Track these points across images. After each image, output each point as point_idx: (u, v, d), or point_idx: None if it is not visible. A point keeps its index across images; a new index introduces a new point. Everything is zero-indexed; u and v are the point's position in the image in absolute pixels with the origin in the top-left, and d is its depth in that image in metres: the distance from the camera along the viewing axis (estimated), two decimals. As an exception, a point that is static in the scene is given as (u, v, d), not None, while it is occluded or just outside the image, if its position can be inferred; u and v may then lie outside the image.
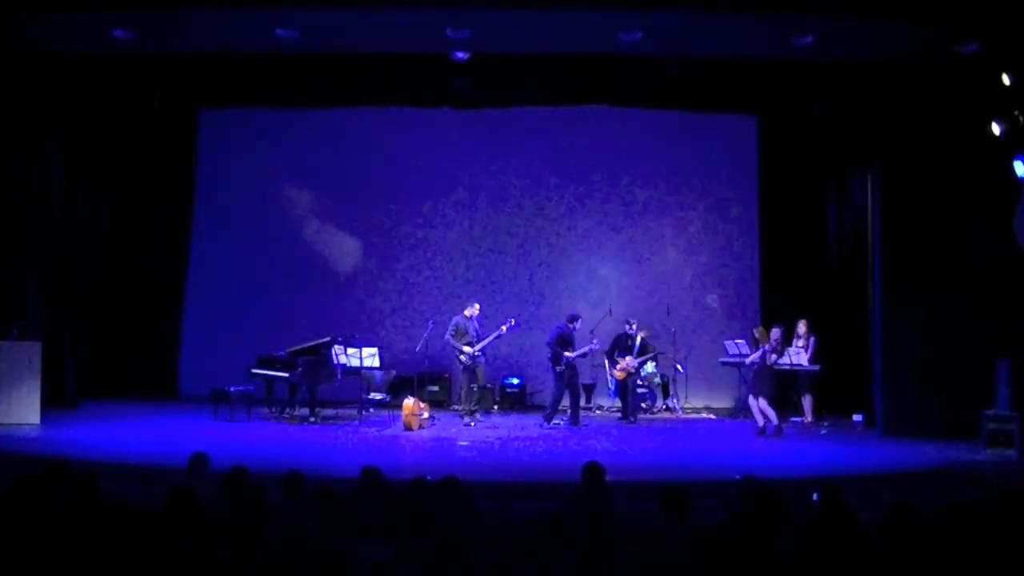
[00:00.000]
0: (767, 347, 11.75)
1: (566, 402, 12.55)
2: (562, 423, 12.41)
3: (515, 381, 14.14)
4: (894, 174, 11.78)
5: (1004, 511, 5.14)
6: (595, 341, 12.66)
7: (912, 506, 4.71)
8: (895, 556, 4.49)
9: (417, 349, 12.74)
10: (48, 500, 5.00)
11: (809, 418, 12.58)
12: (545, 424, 12.13)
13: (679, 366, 14.07)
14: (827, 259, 13.91)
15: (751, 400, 11.78)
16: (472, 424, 12.17)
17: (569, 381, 12.37)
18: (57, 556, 4.37)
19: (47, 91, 12.04)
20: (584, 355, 12.48)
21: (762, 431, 11.59)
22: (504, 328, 12.31)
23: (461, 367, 12.47)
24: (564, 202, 14.76)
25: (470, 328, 12.38)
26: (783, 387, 12.29)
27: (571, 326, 12.42)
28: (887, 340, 11.73)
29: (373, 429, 11.78)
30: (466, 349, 12.28)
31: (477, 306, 12.51)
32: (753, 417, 11.83)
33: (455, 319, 12.51)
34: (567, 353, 12.27)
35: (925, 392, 11.31)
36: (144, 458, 9.28)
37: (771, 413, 11.53)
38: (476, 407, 12.37)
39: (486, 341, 12.30)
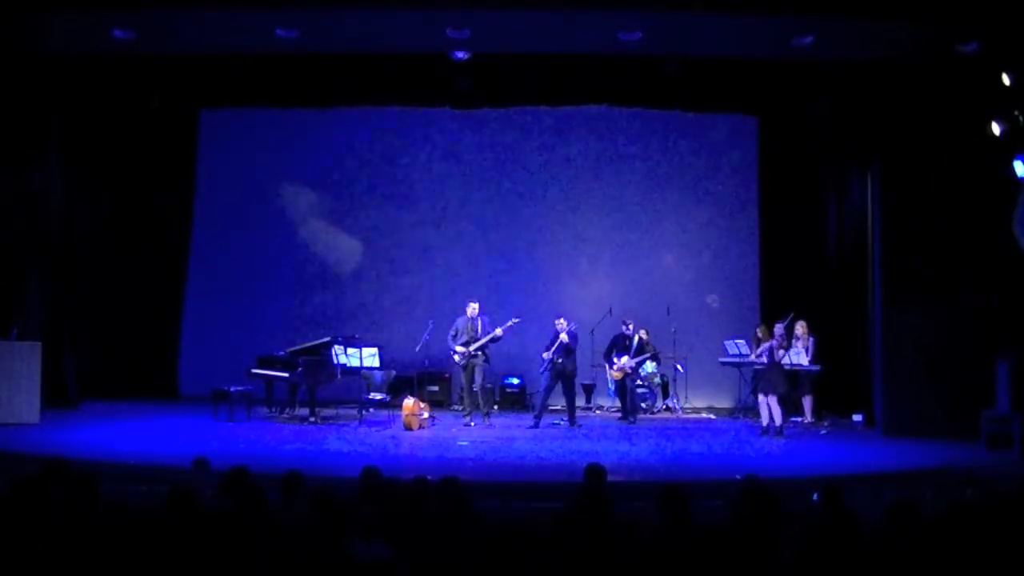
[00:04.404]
0: (774, 343, 11.74)
1: (563, 402, 12.57)
2: (562, 423, 12.42)
3: (515, 381, 14.14)
4: (894, 174, 11.78)
5: (1004, 511, 5.14)
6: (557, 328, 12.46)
7: (912, 506, 4.71)
8: (895, 556, 4.49)
9: (417, 349, 12.74)
10: (48, 500, 5.00)
11: (809, 418, 12.58)
12: (535, 424, 12.13)
13: (679, 366, 14.08)
14: (827, 259, 13.91)
15: (761, 398, 11.75)
16: (472, 424, 12.17)
17: (570, 377, 12.36)
18: (57, 556, 4.37)
19: (47, 91, 12.05)
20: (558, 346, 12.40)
21: (765, 430, 11.58)
22: (500, 331, 12.22)
23: (459, 367, 12.47)
24: (564, 202, 14.77)
25: (471, 327, 12.34)
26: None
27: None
28: (887, 340, 11.72)
29: (373, 429, 11.78)
30: (459, 349, 12.28)
31: (476, 305, 12.47)
32: (759, 416, 11.83)
33: (456, 320, 12.49)
34: (544, 354, 12.34)
35: (925, 392, 11.31)
36: (144, 458, 9.27)
37: (777, 412, 11.51)
38: (480, 408, 12.32)
39: (481, 342, 12.27)
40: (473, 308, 12.43)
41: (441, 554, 4.50)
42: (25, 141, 12.16)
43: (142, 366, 14.24)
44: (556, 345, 12.27)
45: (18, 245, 12.25)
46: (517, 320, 12.38)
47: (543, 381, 12.54)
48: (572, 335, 12.32)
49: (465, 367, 12.34)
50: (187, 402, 13.63)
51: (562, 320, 12.35)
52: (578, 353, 12.76)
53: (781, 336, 11.84)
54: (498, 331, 12.26)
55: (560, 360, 12.27)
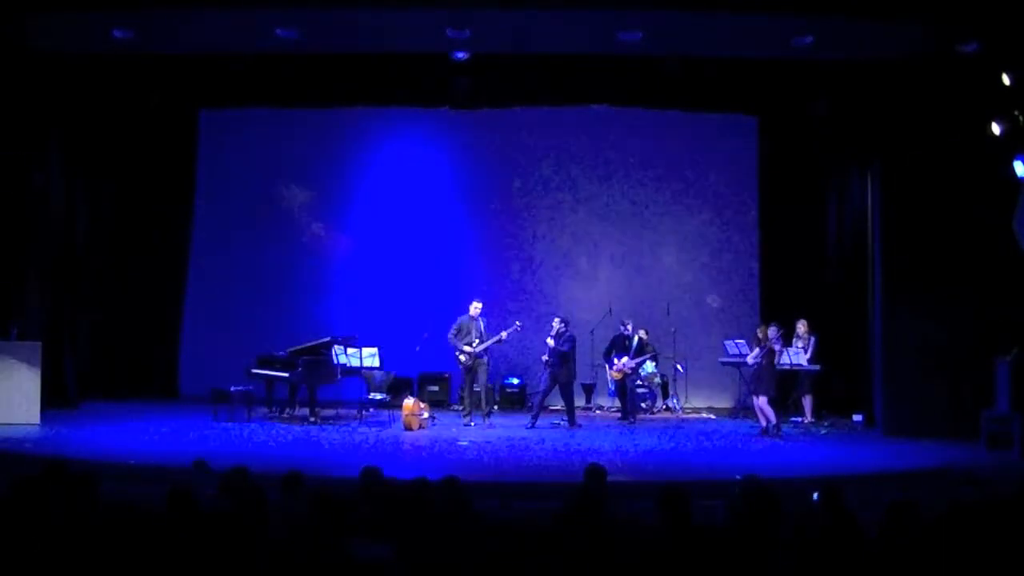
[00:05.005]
0: (776, 345, 11.74)
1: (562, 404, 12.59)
2: (562, 423, 12.42)
3: (515, 381, 14.14)
4: (894, 174, 11.78)
5: (1004, 511, 5.14)
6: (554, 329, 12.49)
7: (912, 506, 4.71)
8: (895, 556, 4.49)
9: (417, 349, 12.74)
10: (48, 500, 5.00)
11: (809, 418, 12.58)
12: (531, 426, 12.14)
13: (679, 366, 14.08)
14: (827, 259, 13.91)
15: (754, 399, 11.77)
16: (472, 424, 12.17)
17: (567, 379, 12.35)
18: (57, 556, 4.37)
19: (47, 91, 12.05)
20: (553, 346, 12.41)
21: (764, 431, 11.59)
22: (505, 334, 12.28)
23: (461, 367, 12.47)
24: (564, 202, 14.77)
25: (474, 327, 12.36)
26: (784, 387, 12.28)
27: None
28: (887, 340, 11.72)
29: (373, 429, 11.78)
30: (466, 349, 12.27)
31: (480, 304, 12.49)
32: (756, 417, 11.85)
33: (459, 318, 12.48)
34: (544, 357, 12.40)
35: (925, 392, 11.31)
36: (144, 458, 9.27)
37: (770, 413, 11.53)
38: (480, 408, 12.33)
39: (487, 343, 12.28)
40: (477, 307, 12.43)
41: (441, 554, 4.50)
42: (25, 141, 12.16)
43: (142, 366, 14.25)
44: (549, 348, 12.31)
45: (19, 245, 12.24)
46: (520, 325, 12.38)
47: (541, 383, 12.55)
48: (565, 338, 12.26)
49: (470, 368, 12.34)
50: (187, 402, 13.62)
51: (556, 320, 12.38)
52: (578, 353, 12.78)
53: (775, 339, 11.82)
54: (503, 334, 12.29)
55: (550, 362, 12.28)
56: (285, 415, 12.43)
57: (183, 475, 6.66)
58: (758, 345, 11.95)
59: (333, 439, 10.91)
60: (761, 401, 11.58)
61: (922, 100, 11.25)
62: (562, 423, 12.42)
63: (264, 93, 13.26)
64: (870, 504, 5.64)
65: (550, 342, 12.26)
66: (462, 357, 12.34)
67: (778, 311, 13.01)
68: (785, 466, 9.57)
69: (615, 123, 14.53)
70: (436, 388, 13.85)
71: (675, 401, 14.03)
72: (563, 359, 12.24)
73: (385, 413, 12.31)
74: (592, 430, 12.19)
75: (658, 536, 4.73)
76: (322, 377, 12.04)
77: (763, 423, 11.65)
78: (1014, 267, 10.80)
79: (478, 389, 12.41)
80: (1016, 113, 10.41)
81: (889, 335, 11.70)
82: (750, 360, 12.01)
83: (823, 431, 12.07)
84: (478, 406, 12.32)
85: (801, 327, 12.69)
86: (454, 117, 14.34)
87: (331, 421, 12.18)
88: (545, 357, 12.36)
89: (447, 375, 13.88)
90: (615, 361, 13.06)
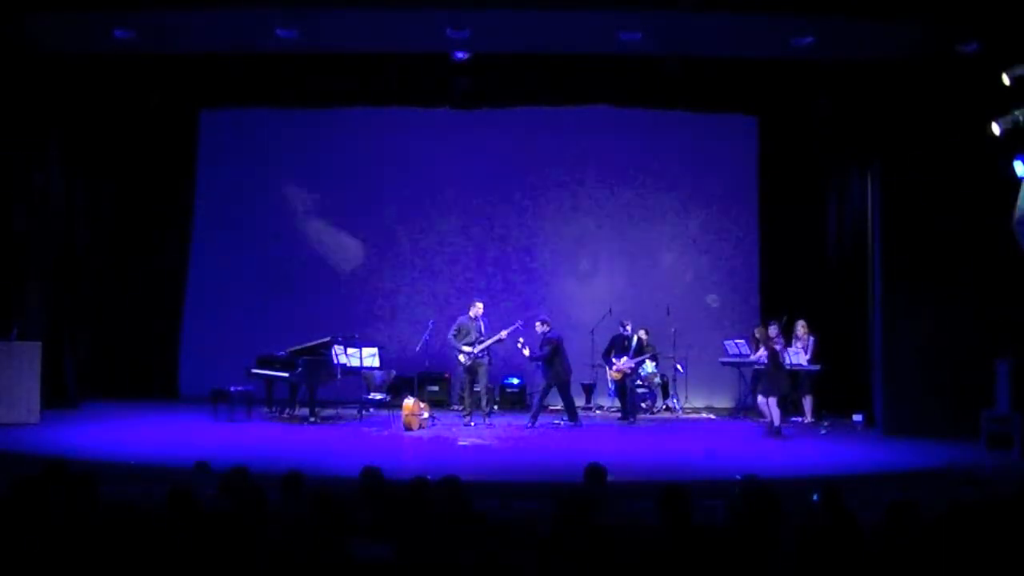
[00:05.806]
0: (777, 345, 11.74)
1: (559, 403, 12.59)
2: (562, 423, 12.42)
3: (515, 381, 14.14)
4: (894, 174, 11.77)
5: (1004, 512, 5.14)
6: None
7: (912, 506, 4.71)
8: (894, 556, 4.49)
9: (417, 349, 12.75)
10: (48, 500, 5.00)
11: (809, 418, 12.58)
12: (531, 426, 12.14)
13: (679, 366, 14.07)
14: (827, 259, 13.91)
15: (760, 399, 11.75)
16: (472, 424, 12.17)
17: (557, 381, 12.35)
18: (57, 556, 4.37)
19: (48, 91, 12.06)
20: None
21: (768, 430, 11.58)
22: (505, 333, 12.30)
23: (461, 367, 12.46)
24: (564, 202, 14.77)
25: (474, 328, 12.37)
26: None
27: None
28: (887, 340, 11.72)
29: (373, 429, 11.78)
30: (465, 349, 12.28)
31: (481, 305, 12.51)
32: (762, 417, 11.83)
33: (459, 319, 12.49)
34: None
35: (925, 392, 11.30)
36: (144, 458, 9.27)
37: (777, 413, 11.52)
38: (480, 408, 12.33)
39: (486, 343, 12.29)
40: (478, 308, 12.45)
41: (441, 554, 4.50)
42: (25, 141, 12.16)
43: (142, 366, 14.25)
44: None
45: (19, 245, 12.24)
46: (520, 323, 12.39)
47: (540, 383, 12.58)
48: (543, 341, 12.27)
49: (470, 368, 12.35)
50: (187, 402, 13.62)
51: (538, 323, 12.40)
52: (578, 353, 12.77)
53: (776, 336, 11.81)
54: (503, 333, 12.30)
55: (537, 366, 12.30)
56: (285, 415, 12.43)
57: (183, 475, 6.66)
58: (758, 345, 11.95)
59: (333, 439, 10.91)
60: (771, 401, 11.57)
61: (922, 100, 11.25)
62: (562, 423, 12.42)
63: (264, 93, 13.26)
64: (870, 504, 5.65)
65: (525, 352, 12.31)
66: (461, 357, 12.34)
67: (778, 311, 12.99)
68: (785, 466, 9.57)
69: (615, 123, 14.51)
70: (436, 388, 13.84)
71: (675, 401, 14.03)
72: (547, 363, 12.24)
73: (385, 413, 12.31)
74: (592, 430, 12.19)
75: (658, 536, 4.73)
76: (322, 377, 12.04)
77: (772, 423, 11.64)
78: (1014, 267, 10.79)
79: (478, 389, 12.41)
80: (1016, 113, 10.40)
81: (889, 335, 11.70)
82: (756, 361, 12.01)
83: (823, 431, 12.07)
84: (478, 406, 12.32)
85: (801, 327, 12.69)
86: (454, 117, 14.32)
87: (331, 421, 12.18)
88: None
89: (447, 375, 13.88)
90: (615, 361, 13.06)
